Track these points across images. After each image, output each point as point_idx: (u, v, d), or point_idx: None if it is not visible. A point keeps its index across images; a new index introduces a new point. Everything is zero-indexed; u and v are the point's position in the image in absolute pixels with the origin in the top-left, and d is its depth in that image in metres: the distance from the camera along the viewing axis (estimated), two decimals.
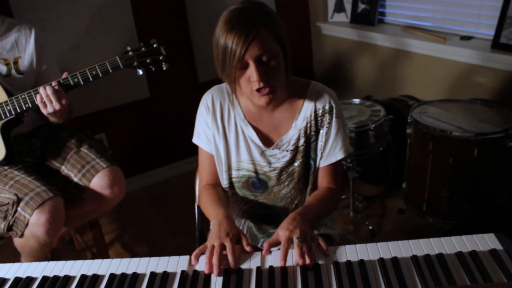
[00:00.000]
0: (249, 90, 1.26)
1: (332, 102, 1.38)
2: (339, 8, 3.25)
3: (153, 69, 1.72)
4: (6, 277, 1.21)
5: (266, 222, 1.53)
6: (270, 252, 1.20)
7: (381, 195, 2.82)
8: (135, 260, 1.22)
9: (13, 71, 1.79)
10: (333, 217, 1.61)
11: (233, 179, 1.47)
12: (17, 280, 1.20)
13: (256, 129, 1.41)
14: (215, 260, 1.14)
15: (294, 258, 1.16)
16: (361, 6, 3.07)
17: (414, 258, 1.12)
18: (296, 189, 1.45)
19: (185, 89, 3.14)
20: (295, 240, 1.17)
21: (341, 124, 1.40)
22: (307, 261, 1.13)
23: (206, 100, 1.44)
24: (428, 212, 2.31)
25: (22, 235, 1.64)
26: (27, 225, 1.61)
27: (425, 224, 2.41)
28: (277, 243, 1.22)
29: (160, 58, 1.70)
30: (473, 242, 1.16)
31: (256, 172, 1.44)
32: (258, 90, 1.24)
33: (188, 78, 3.13)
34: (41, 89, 1.63)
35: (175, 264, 1.19)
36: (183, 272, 1.16)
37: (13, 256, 1.92)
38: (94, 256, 2.22)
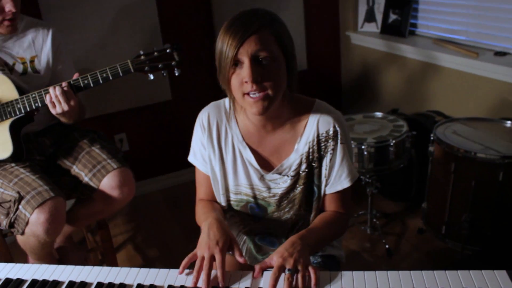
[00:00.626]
0: (240, 94, 1.15)
1: (337, 126, 1.26)
2: (370, 17, 3.17)
3: (164, 74, 1.70)
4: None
5: (266, 243, 1.45)
6: (262, 274, 1.13)
7: (402, 212, 2.71)
8: (125, 270, 1.19)
9: (29, 70, 1.80)
10: (340, 238, 1.53)
11: (232, 202, 1.39)
12: (7, 281, 1.19)
13: (254, 152, 1.31)
14: (203, 277, 1.09)
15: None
16: (392, 17, 2.97)
17: None
18: (297, 215, 1.36)
19: (208, 92, 3.10)
20: (286, 272, 1.08)
21: (346, 150, 1.29)
22: None
23: (202, 119, 1.35)
24: (447, 235, 2.19)
25: (23, 233, 1.64)
26: (27, 223, 1.61)
27: (445, 247, 2.30)
28: (269, 267, 1.14)
29: (173, 63, 1.67)
30: (481, 279, 1.06)
31: (255, 197, 1.35)
32: (250, 94, 1.14)
33: (211, 82, 3.09)
34: (50, 89, 1.62)
35: (164, 277, 1.15)
36: (170, 286, 1.11)
37: (24, 253, 1.93)
38: (103, 256, 2.21)
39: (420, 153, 2.42)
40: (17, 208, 1.62)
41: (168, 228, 2.81)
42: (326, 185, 1.31)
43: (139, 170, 3.18)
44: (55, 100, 1.62)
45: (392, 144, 2.16)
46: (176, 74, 1.71)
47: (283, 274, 1.09)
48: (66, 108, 1.63)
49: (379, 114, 2.47)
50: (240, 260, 1.15)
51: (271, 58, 1.12)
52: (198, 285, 1.10)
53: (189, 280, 1.12)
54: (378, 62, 3.17)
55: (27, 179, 1.67)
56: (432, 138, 2.16)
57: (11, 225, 1.65)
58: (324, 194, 1.34)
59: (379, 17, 3.10)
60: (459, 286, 1.05)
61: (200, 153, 1.37)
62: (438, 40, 2.73)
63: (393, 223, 2.63)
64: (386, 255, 2.37)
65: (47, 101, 1.63)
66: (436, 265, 2.26)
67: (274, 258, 1.12)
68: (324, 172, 1.30)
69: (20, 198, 1.63)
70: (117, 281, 1.15)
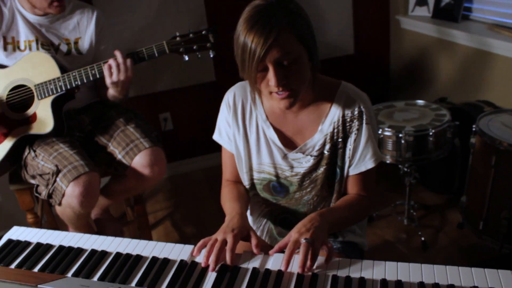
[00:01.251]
0: (267, 92, 1.19)
1: (362, 107, 1.27)
2: (421, 1, 3.03)
3: (199, 55, 1.74)
4: (31, 241, 1.29)
5: (287, 226, 1.45)
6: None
7: (443, 205, 2.62)
8: (144, 242, 1.24)
9: (73, 51, 1.89)
10: (364, 224, 1.50)
11: (255, 181, 1.41)
12: (38, 245, 1.27)
13: (278, 131, 1.33)
14: (212, 256, 1.12)
15: (295, 264, 1.10)
16: (445, 0, 2.83)
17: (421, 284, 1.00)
18: (319, 196, 1.37)
19: None
20: (303, 241, 1.10)
21: (371, 131, 1.28)
22: (308, 264, 1.06)
23: (228, 98, 1.38)
24: (484, 231, 2.09)
25: (60, 204, 1.74)
26: (63, 195, 1.70)
27: (483, 244, 2.20)
28: (287, 244, 1.14)
29: (207, 45, 1.71)
30: (510, 279, 0.99)
31: (277, 176, 1.37)
32: (278, 92, 1.17)
33: None
34: (111, 60, 1.69)
35: (178, 252, 1.19)
36: (181, 261, 1.15)
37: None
38: (139, 230, 2.30)
39: (464, 144, 2.31)
40: (55, 181, 1.72)
41: (207, 207, 2.87)
42: (349, 166, 1.32)
43: (182, 149, 3.27)
44: (115, 68, 1.68)
45: (431, 133, 2.08)
46: (211, 56, 1.75)
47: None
48: (122, 77, 1.69)
49: (421, 102, 2.38)
50: (255, 251, 1.16)
51: (293, 59, 1.14)
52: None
53: (200, 258, 1.15)
54: (428, 48, 3.04)
55: (65, 153, 1.76)
56: (474, 129, 2.06)
57: (50, 195, 1.75)
58: (347, 176, 1.33)
59: (431, 0, 2.97)
60: (484, 284, 0.99)
61: (225, 131, 1.40)
62: (493, 25, 2.58)
63: (432, 216, 2.55)
64: (422, 247, 2.30)
65: (106, 69, 1.70)
66: (470, 262, 2.18)
67: (292, 234, 1.14)
68: (348, 152, 1.30)
69: (58, 171, 1.72)
70: (134, 252, 1.20)
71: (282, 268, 1.08)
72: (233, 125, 1.37)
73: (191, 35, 1.71)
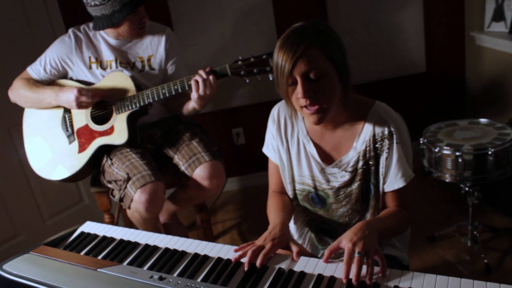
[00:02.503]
0: (298, 106, 1.29)
1: (392, 127, 1.33)
2: (498, 16, 2.94)
3: (259, 78, 1.88)
4: (99, 234, 1.51)
5: (326, 235, 1.54)
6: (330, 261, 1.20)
7: None
8: (189, 241, 1.39)
9: (147, 67, 2.12)
10: (406, 239, 1.54)
11: (297, 191, 1.51)
12: (104, 238, 1.48)
13: (317, 146, 1.43)
14: (246, 258, 1.23)
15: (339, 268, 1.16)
16: None
17: None
18: (354, 210, 1.44)
19: None
20: (356, 255, 1.14)
21: (402, 150, 1.34)
22: (367, 282, 1.10)
23: (273, 113, 1.50)
24: None
25: (129, 207, 1.96)
26: (132, 200, 1.92)
27: None
28: (338, 250, 1.21)
29: (267, 69, 1.84)
30: None
31: (315, 188, 1.46)
32: (307, 107, 1.26)
33: None
34: (197, 76, 1.87)
35: (217, 251, 1.33)
36: (219, 258, 1.28)
37: None
38: (204, 235, 2.47)
39: None
40: (126, 187, 1.94)
41: None
42: (384, 183, 1.37)
43: (253, 163, 3.42)
44: (202, 84, 1.85)
45: (490, 152, 2.03)
46: (270, 79, 1.87)
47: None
48: (208, 91, 1.88)
49: (485, 120, 2.32)
50: (295, 258, 1.24)
51: (321, 74, 1.23)
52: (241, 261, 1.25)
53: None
54: (506, 66, 2.93)
55: (136, 163, 1.98)
56: None
57: (121, 199, 1.97)
58: (384, 193, 1.39)
59: (509, 15, 2.86)
60: None
61: (271, 144, 1.53)
62: None
63: (500, 239, 2.44)
64: (484, 271, 2.22)
65: (193, 84, 1.87)
66: None
67: (343, 242, 1.18)
68: (381, 170, 1.36)
69: (128, 178, 1.93)
70: (180, 249, 1.35)
71: (344, 282, 1.12)
72: (277, 138, 1.49)
73: (252, 59, 1.85)
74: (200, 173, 2.00)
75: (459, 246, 2.43)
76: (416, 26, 3.11)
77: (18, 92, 2.11)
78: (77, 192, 2.91)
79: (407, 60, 3.19)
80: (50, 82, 2.13)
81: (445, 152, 2.12)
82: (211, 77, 1.87)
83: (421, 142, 2.26)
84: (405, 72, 3.21)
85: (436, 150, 2.14)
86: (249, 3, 2.93)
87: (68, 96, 1.98)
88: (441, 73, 3.29)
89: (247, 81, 1.89)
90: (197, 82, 1.87)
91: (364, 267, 1.13)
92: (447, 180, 2.19)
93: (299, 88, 1.24)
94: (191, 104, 2.00)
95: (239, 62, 1.87)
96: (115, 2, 1.89)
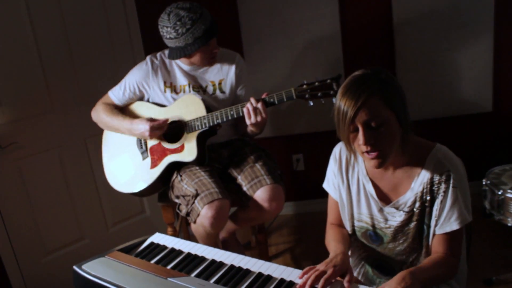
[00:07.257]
0: (360, 151, 1.35)
1: (450, 172, 1.35)
2: None
3: (323, 101, 1.94)
4: (168, 246, 1.63)
5: (382, 270, 1.58)
6: None
7: None
8: (254, 260, 1.48)
9: (217, 91, 2.25)
10: (463, 280, 1.53)
11: (355, 228, 1.57)
12: (172, 249, 1.59)
13: (376, 186, 1.48)
14: (309, 281, 1.28)
15: None
16: None
17: None
18: (411, 248, 1.47)
19: None
20: None
21: (458, 194, 1.35)
22: None
23: (335, 152, 1.57)
24: None
25: (195, 222, 2.06)
26: (198, 215, 2.02)
27: None
28: None
29: (331, 92, 1.91)
30: None
31: (373, 226, 1.51)
32: (368, 152, 1.32)
33: None
34: (248, 104, 1.99)
35: (280, 272, 1.40)
36: (281, 279, 1.35)
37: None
38: (259, 256, 2.53)
39: None
40: (193, 202, 2.05)
41: (325, 247, 2.99)
42: (436, 225, 1.40)
43: (310, 190, 3.47)
44: (252, 112, 1.98)
45: None
46: (334, 102, 1.94)
47: None
48: (259, 118, 1.99)
49: None
50: (346, 285, 1.29)
51: (381, 122, 1.29)
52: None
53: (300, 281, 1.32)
54: None
55: (205, 181, 2.09)
56: None
57: (188, 214, 2.09)
58: (434, 234, 1.41)
59: None
60: None
61: (332, 181, 1.60)
62: None
63: None
64: None
65: (245, 112, 2.00)
66: None
67: None
68: (434, 212, 1.39)
69: (197, 194, 2.04)
70: (245, 267, 1.44)
71: None
72: (338, 176, 1.55)
73: (316, 83, 1.93)
74: (260, 195, 2.08)
75: None
76: (484, 65, 3.07)
77: (99, 115, 2.31)
78: (140, 204, 3.08)
79: (473, 98, 3.15)
80: (128, 105, 2.32)
81: (509, 195, 2.10)
82: (259, 105, 1.98)
83: (484, 183, 2.23)
84: (470, 110, 3.16)
85: (500, 193, 2.11)
86: (319, 35, 3.03)
87: (141, 131, 2.16)
88: (507, 114, 3.22)
89: (311, 103, 1.96)
90: (248, 110, 1.98)
91: None
92: (509, 224, 2.15)
93: (360, 136, 1.29)
94: (249, 127, 2.10)
95: (304, 86, 1.94)
96: (188, 36, 2.03)
